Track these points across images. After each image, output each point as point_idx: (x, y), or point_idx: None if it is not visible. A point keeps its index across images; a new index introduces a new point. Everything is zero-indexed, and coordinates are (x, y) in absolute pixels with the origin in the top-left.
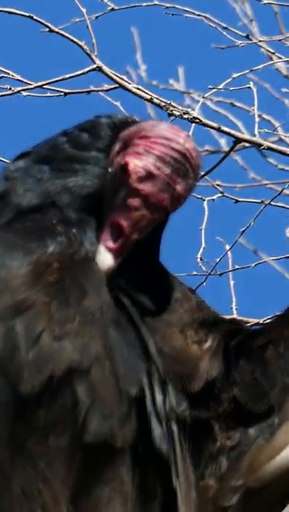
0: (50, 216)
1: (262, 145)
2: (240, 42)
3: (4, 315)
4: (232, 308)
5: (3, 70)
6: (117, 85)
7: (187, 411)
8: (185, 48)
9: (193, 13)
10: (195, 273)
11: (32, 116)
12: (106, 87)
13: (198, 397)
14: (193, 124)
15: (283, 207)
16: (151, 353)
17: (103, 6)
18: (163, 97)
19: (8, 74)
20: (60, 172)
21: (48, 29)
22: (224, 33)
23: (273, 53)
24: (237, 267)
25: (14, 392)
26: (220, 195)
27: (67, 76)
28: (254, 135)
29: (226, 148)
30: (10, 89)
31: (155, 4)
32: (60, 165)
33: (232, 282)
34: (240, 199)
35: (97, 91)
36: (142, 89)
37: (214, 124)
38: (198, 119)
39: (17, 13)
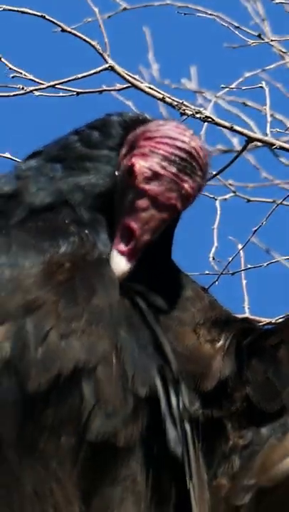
0: (63, 215)
1: (274, 144)
2: (252, 41)
3: (16, 314)
4: (244, 307)
5: (16, 69)
6: (130, 85)
7: (200, 410)
8: (197, 47)
9: (206, 13)
10: (207, 272)
11: (44, 115)
12: (118, 86)
13: (210, 396)
14: (206, 124)
15: None
16: (166, 353)
17: (115, 5)
18: (175, 96)
19: (21, 74)
20: (72, 170)
21: (60, 29)
22: (236, 32)
23: (285, 53)
24: (249, 266)
25: (22, 391)
26: (232, 194)
27: (79, 76)
28: (266, 134)
29: (238, 148)
30: (22, 88)
31: (167, 4)
32: (72, 163)
33: (244, 281)
34: (252, 198)
35: (110, 90)
36: (155, 88)
37: (226, 124)
38: (210, 118)
39: (29, 13)
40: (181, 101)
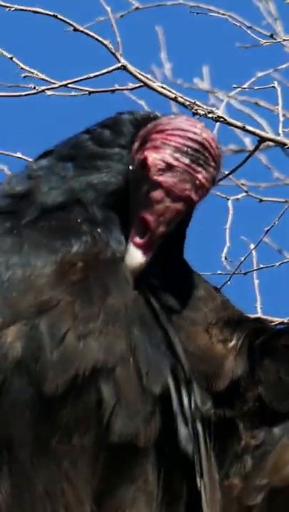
0: (75, 214)
1: (286, 144)
2: (264, 41)
3: (27, 314)
4: (256, 307)
5: (28, 69)
6: (142, 84)
7: (212, 410)
8: (209, 47)
9: (218, 12)
10: (219, 272)
11: (56, 115)
12: (131, 85)
13: (223, 396)
14: (218, 123)
15: None
16: (178, 352)
17: (128, 4)
18: (187, 96)
19: (33, 73)
20: (84, 169)
21: (72, 28)
22: (248, 32)
23: None
24: (261, 266)
25: (38, 392)
26: (244, 194)
27: (91, 75)
28: (278, 134)
29: (251, 148)
30: (34, 88)
31: (180, 3)
32: (83, 162)
33: (256, 281)
34: (264, 198)
35: (122, 90)
36: (167, 88)
37: (239, 123)
38: (222, 118)
39: (41, 13)
40: (193, 101)
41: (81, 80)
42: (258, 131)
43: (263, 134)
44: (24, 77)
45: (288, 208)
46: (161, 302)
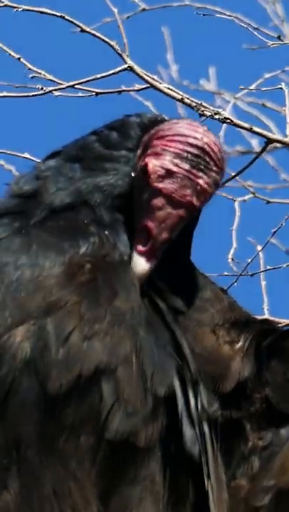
0: (83, 215)
1: None
2: (271, 42)
3: (36, 314)
4: (263, 308)
5: (35, 69)
6: (149, 85)
7: (219, 411)
8: (216, 48)
9: (225, 14)
10: (226, 273)
11: (63, 116)
12: (137, 87)
13: (230, 397)
14: (225, 125)
15: None
16: (185, 354)
17: (134, 6)
18: (194, 97)
19: (40, 74)
20: (91, 171)
21: (79, 29)
22: (255, 33)
23: None
24: (268, 267)
25: (43, 391)
26: (251, 195)
27: (98, 76)
28: (286, 135)
29: (258, 149)
30: (42, 89)
31: (186, 4)
32: (90, 164)
33: (263, 283)
34: (271, 200)
35: (129, 91)
36: (173, 89)
37: (246, 125)
38: (229, 119)
39: (48, 13)
40: (200, 102)
41: (88, 80)
42: (265, 132)
43: (270, 135)
44: (32, 77)
45: None
46: (168, 304)
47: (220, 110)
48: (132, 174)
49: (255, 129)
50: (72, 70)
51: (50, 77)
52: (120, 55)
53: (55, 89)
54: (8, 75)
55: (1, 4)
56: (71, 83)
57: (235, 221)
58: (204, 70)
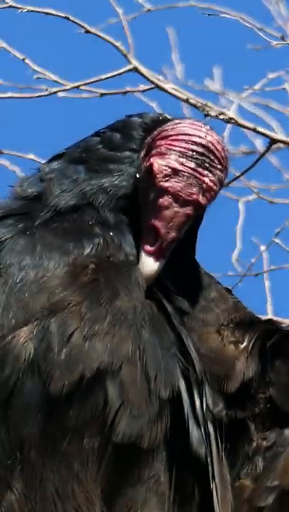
0: (88, 216)
1: None
2: (275, 43)
3: (40, 315)
4: (267, 308)
5: (40, 70)
6: (154, 86)
7: (223, 411)
8: (221, 48)
9: (229, 14)
10: (230, 273)
11: (68, 117)
12: (142, 87)
13: (234, 398)
14: (229, 125)
15: None
16: (190, 354)
17: (139, 6)
18: (199, 97)
19: (45, 75)
20: (96, 172)
21: (84, 30)
22: (260, 33)
23: None
24: (272, 267)
25: (46, 392)
26: (255, 196)
27: (103, 77)
28: None
29: (262, 149)
30: (46, 90)
31: (191, 5)
32: (95, 165)
33: (267, 283)
34: (275, 200)
35: (134, 92)
36: (178, 89)
37: (250, 125)
38: (233, 119)
39: (53, 14)
40: (205, 102)
41: (93, 81)
42: (269, 132)
43: (273, 135)
44: (36, 78)
45: None
46: (173, 304)
47: (224, 110)
48: (137, 175)
49: (259, 129)
50: (77, 70)
51: (55, 78)
52: (125, 55)
53: (60, 90)
54: (12, 76)
55: (6, 5)
56: (76, 84)
57: (239, 221)
58: (209, 70)
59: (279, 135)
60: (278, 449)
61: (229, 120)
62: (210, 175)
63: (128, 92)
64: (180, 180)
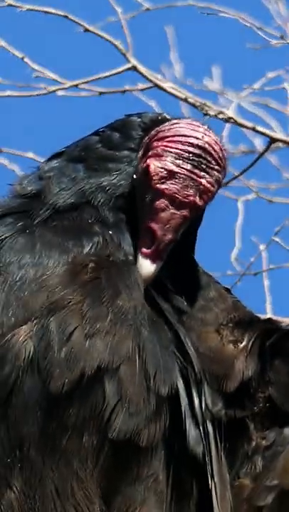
0: (87, 215)
1: None
2: (274, 42)
3: (39, 313)
4: (266, 307)
5: (39, 69)
6: (152, 85)
7: (223, 410)
8: (220, 47)
9: (228, 13)
10: (229, 273)
11: (67, 115)
12: (141, 86)
13: (233, 397)
14: (228, 124)
15: None
16: (189, 353)
17: (138, 5)
18: (198, 96)
19: (43, 73)
20: (94, 171)
21: (83, 29)
22: (259, 33)
23: None
24: (271, 266)
25: (46, 390)
26: (254, 195)
27: (102, 75)
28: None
29: (261, 149)
30: (45, 88)
31: (190, 4)
32: (93, 164)
33: (266, 282)
34: (274, 199)
35: (132, 90)
36: (177, 88)
37: (249, 124)
38: (232, 118)
39: (52, 13)
40: (203, 101)
41: (91, 80)
42: (268, 131)
43: (273, 134)
44: (35, 77)
45: None
46: (172, 303)
47: (223, 110)
48: (134, 176)
49: (259, 128)
50: (76, 69)
51: (54, 76)
52: (124, 54)
53: (59, 89)
54: (11, 75)
55: (5, 4)
56: (74, 83)
57: (239, 220)
58: (208, 69)
59: (278, 134)
60: (278, 449)
61: (228, 119)
62: (207, 176)
63: (127, 90)
64: (176, 183)
